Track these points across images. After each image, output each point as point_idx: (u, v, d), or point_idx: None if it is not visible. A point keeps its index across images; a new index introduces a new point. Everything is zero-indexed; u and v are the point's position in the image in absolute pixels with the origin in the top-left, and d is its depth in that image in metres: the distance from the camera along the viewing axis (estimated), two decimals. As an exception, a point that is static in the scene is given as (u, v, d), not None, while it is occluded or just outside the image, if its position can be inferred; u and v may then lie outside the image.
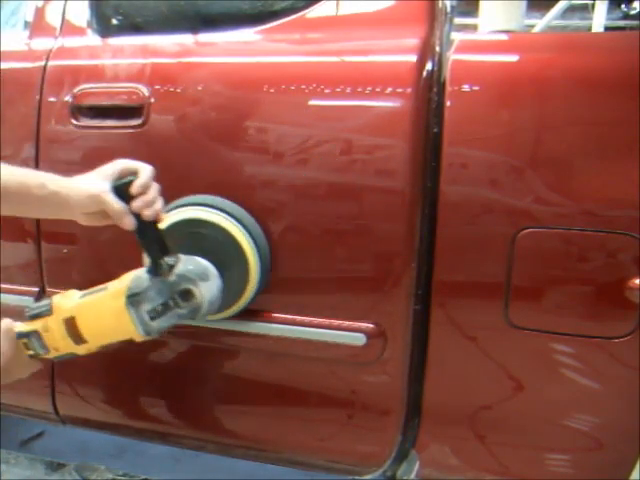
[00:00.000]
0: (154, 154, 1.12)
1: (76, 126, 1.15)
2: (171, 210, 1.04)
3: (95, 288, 0.96)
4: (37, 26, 1.27)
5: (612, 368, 0.97)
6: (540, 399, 1.02)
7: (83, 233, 1.20)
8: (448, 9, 1.10)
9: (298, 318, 1.07)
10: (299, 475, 1.34)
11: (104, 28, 1.20)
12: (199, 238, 1.01)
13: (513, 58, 1.01)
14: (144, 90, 1.11)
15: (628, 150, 0.91)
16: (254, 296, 1.05)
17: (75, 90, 1.15)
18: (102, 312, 0.93)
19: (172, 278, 0.90)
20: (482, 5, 3.44)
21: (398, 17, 1.05)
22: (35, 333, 0.95)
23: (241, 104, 1.07)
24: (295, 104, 1.04)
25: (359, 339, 1.04)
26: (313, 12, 1.09)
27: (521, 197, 0.95)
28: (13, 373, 0.97)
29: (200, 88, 1.09)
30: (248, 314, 1.09)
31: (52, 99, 1.17)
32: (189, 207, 1.05)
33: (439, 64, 1.00)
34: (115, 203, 0.87)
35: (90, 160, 1.15)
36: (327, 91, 1.02)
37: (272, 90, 1.04)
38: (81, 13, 1.23)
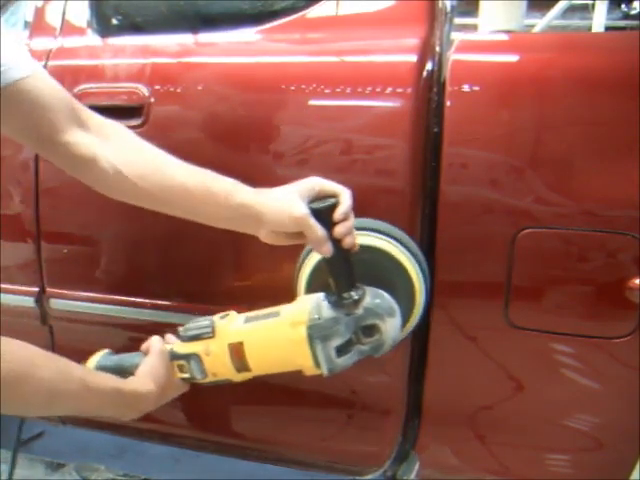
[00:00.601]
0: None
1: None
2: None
3: (262, 312, 0.90)
4: (37, 26, 1.27)
5: (612, 368, 0.97)
6: (540, 399, 1.02)
7: (83, 233, 1.20)
8: (448, 9, 1.10)
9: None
10: (299, 475, 1.34)
11: (104, 28, 1.20)
12: (370, 265, 0.92)
13: (513, 58, 1.01)
14: (144, 90, 1.11)
15: (628, 150, 0.91)
16: (420, 319, 0.98)
17: (75, 90, 1.15)
18: (275, 340, 0.86)
19: (359, 311, 0.84)
20: (482, 5, 3.44)
21: (398, 17, 1.05)
22: (195, 356, 0.90)
23: (241, 104, 1.07)
24: (295, 104, 1.04)
25: (359, 339, 1.04)
26: (313, 12, 1.09)
27: (521, 197, 0.95)
28: (161, 400, 0.93)
29: (200, 88, 1.09)
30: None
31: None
32: (361, 232, 0.94)
33: (439, 64, 1.00)
34: (318, 229, 0.81)
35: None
36: (327, 91, 1.02)
37: (272, 90, 1.04)
38: (81, 13, 1.23)
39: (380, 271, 0.92)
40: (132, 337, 1.23)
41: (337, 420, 1.14)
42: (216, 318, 0.92)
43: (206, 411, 1.23)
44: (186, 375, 0.93)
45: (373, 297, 0.85)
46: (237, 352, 0.88)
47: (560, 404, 1.01)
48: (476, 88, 0.97)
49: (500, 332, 0.99)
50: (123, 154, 0.89)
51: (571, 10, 4.44)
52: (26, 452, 1.57)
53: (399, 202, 0.99)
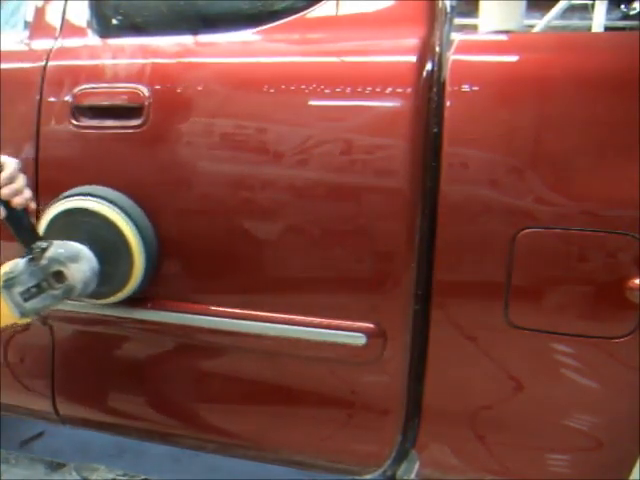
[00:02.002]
0: (154, 154, 1.12)
1: (76, 126, 1.15)
2: (58, 201, 1.10)
3: None
4: (37, 26, 1.27)
5: (612, 368, 0.97)
6: (540, 399, 1.02)
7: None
8: (448, 9, 1.10)
9: (298, 318, 1.07)
10: (299, 475, 1.34)
11: (104, 28, 1.20)
12: (83, 227, 1.08)
13: (513, 58, 1.01)
14: (144, 90, 1.11)
15: (628, 150, 0.91)
16: (143, 279, 1.10)
17: (75, 90, 1.15)
18: None
19: (44, 261, 0.98)
20: (482, 5, 3.44)
21: (398, 17, 1.05)
22: None
23: (241, 104, 1.07)
24: (295, 104, 1.04)
25: (359, 339, 1.04)
26: (313, 12, 1.09)
27: (521, 197, 0.95)
28: None
29: (200, 88, 1.09)
30: (248, 314, 1.10)
31: (52, 99, 1.17)
32: (75, 197, 1.10)
33: (439, 64, 1.00)
34: None
35: (90, 160, 1.16)
36: (327, 91, 1.02)
37: (272, 90, 1.04)
38: (81, 13, 1.23)
39: (96, 230, 1.07)
40: (132, 337, 1.23)
41: (337, 420, 1.14)
42: None
43: (206, 411, 1.23)
44: None
45: (57, 247, 1.00)
46: None
47: (560, 404, 1.01)
48: (476, 88, 0.97)
49: (500, 332, 0.99)
50: None
51: (571, 10, 4.44)
52: (26, 452, 1.57)
53: (399, 202, 0.99)
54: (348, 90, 1.01)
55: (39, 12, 1.27)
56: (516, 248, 0.95)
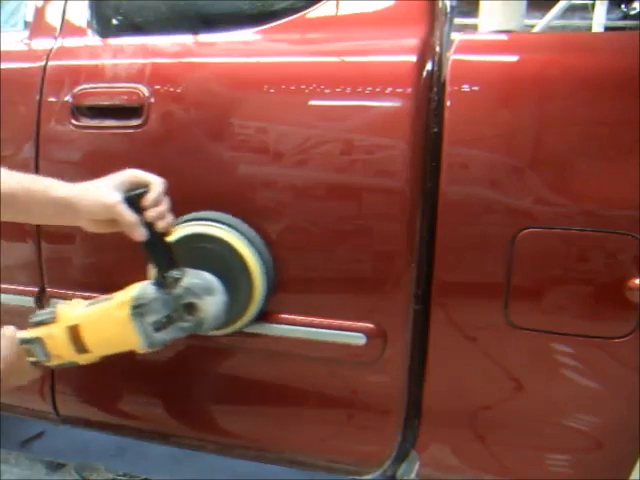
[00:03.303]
0: (154, 154, 1.12)
1: (76, 126, 1.15)
2: (177, 225, 1.02)
3: (101, 298, 0.96)
4: (37, 26, 1.27)
5: (612, 368, 0.97)
6: (540, 399, 1.02)
7: (83, 234, 1.20)
8: (448, 9, 1.10)
9: (298, 318, 1.07)
10: (299, 475, 1.34)
11: (104, 28, 1.20)
12: (205, 254, 1.01)
13: (513, 58, 1.01)
14: (144, 90, 1.11)
15: (628, 150, 0.91)
16: (257, 313, 1.05)
17: (75, 90, 1.15)
18: (106, 322, 0.93)
19: (178, 291, 0.91)
20: (482, 5, 3.44)
21: (398, 17, 1.05)
22: (38, 340, 0.95)
23: (241, 104, 1.07)
24: (295, 104, 1.04)
25: (359, 339, 1.04)
26: (313, 12, 1.09)
27: (521, 197, 0.95)
28: (12, 379, 0.97)
29: (200, 88, 1.09)
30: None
31: (52, 99, 1.17)
32: (195, 222, 1.04)
33: (439, 64, 1.00)
34: (128, 215, 0.88)
35: (90, 160, 1.16)
36: (327, 91, 1.02)
37: (272, 90, 1.05)
38: (81, 13, 1.23)
39: (217, 259, 1.00)
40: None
41: (337, 420, 1.14)
42: (61, 304, 0.98)
43: (206, 411, 1.23)
44: (33, 359, 0.97)
45: (193, 277, 0.92)
46: (75, 334, 0.93)
47: (560, 404, 1.01)
48: (476, 88, 0.97)
49: (500, 332, 0.99)
50: None
51: (571, 10, 4.44)
52: (26, 452, 1.57)
53: (399, 202, 0.99)
54: (348, 90, 1.01)
55: (39, 12, 1.27)
56: (516, 248, 0.95)
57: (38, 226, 1.21)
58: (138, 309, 0.90)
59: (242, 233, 1.02)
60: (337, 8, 1.09)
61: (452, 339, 1.02)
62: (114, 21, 1.19)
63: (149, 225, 0.88)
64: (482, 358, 1.02)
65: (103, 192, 0.89)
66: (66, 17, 1.24)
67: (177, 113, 1.10)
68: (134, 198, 0.89)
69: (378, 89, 0.99)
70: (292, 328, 1.08)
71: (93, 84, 1.15)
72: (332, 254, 1.04)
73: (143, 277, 1.18)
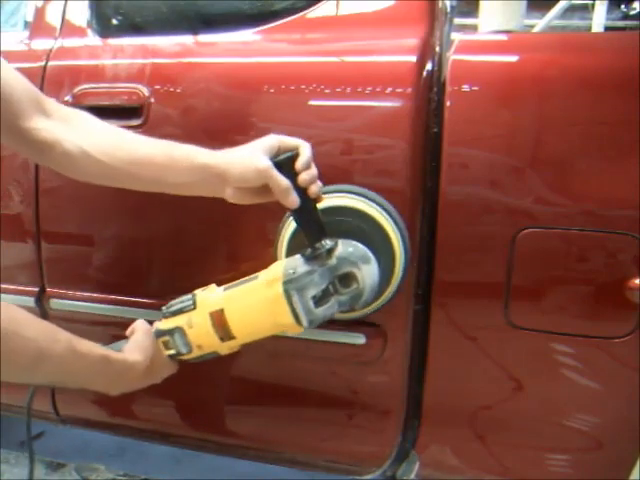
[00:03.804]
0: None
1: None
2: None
3: (241, 280, 0.90)
4: (37, 26, 1.27)
5: (612, 368, 0.97)
6: (540, 399, 1.02)
7: (83, 233, 1.20)
8: (448, 9, 1.10)
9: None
10: (299, 475, 1.34)
11: (104, 28, 1.20)
12: (348, 227, 0.92)
13: (513, 58, 1.01)
14: (144, 90, 1.11)
15: (628, 150, 0.91)
16: (397, 290, 0.98)
17: (75, 90, 1.15)
18: (254, 302, 0.87)
19: (332, 261, 0.83)
20: (482, 5, 3.44)
21: (398, 17, 1.05)
22: (178, 329, 0.91)
23: (241, 104, 1.07)
24: (295, 104, 1.04)
25: (359, 339, 1.04)
26: (313, 12, 1.09)
27: (521, 197, 0.95)
28: (150, 376, 0.94)
29: (200, 88, 1.09)
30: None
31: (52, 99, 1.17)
32: (335, 194, 0.96)
33: (439, 64, 1.00)
34: (281, 179, 0.82)
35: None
36: (327, 91, 1.02)
37: (272, 90, 1.04)
38: (81, 13, 1.23)
39: (359, 231, 0.92)
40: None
41: (337, 420, 1.14)
42: (197, 291, 0.93)
43: (206, 411, 1.23)
44: (172, 351, 0.93)
45: (346, 246, 0.85)
46: (219, 319, 0.88)
47: (560, 404, 1.01)
48: (476, 88, 0.97)
49: (500, 332, 0.99)
50: (87, 135, 0.91)
51: (571, 10, 4.44)
52: (26, 452, 1.57)
53: (399, 202, 0.99)
54: (348, 90, 1.01)
55: (39, 12, 1.27)
56: (516, 248, 0.95)
57: (38, 226, 1.21)
58: (292, 284, 0.83)
59: (382, 207, 0.95)
60: (337, 8, 1.09)
61: (452, 339, 1.02)
62: (114, 21, 1.19)
63: (301, 191, 0.82)
64: (482, 358, 1.02)
65: (253, 157, 0.84)
66: (66, 17, 1.24)
67: (177, 113, 1.10)
68: (286, 162, 0.83)
69: (378, 89, 0.99)
70: (292, 328, 1.08)
71: (93, 84, 1.15)
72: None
73: (143, 276, 1.19)
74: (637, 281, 0.91)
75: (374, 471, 1.15)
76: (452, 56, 0.99)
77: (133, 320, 1.18)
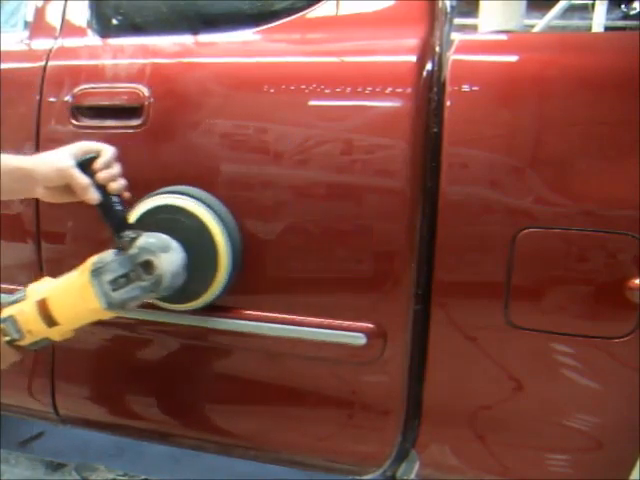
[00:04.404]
0: (154, 154, 1.12)
1: (76, 126, 1.15)
2: (145, 199, 1.06)
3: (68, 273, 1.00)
4: (37, 26, 1.27)
5: (612, 368, 0.97)
6: (540, 399, 1.02)
7: (84, 233, 1.20)
8: (448, 9, 1.10)
9: (298, 318, 1.07)
10: (299, 475, 1.34)
11: (104, 28, 1.20)
12: (170, 224, 1.03)
13: (513, 58, 1.01)
14: (144, 90, 1.11)
15: (628, 150, 0.91)
16: (224, 288, 1.06)
17: (75, 90, 1.15)
18: (70, 290, 0.97)
19: (133, 250, 0.94)
20: (482, 5, 3.44)
21: (398, 17, 1.05)
22: (11, 318, 0.99)
23: (241, 104, 1.07)
24: (295, 104, 1.04)
25: (359, 339, 1.04)
26: (313, 12, 1.09)
27: (521, 197, 0.95)
28: None
29: (200, 88, 1.09)
30: (248, 314, 1.10)
31: (52, 99, 1.17)
32: (162, 195, 1.06)
33: (439, 64, 1.00)
34: (81, 177, 0.93)
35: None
36: (327, 91, 1.02)
37: (272, 90, 1.04)
38: (81, 13, 1.23)
39: (180, 226, 1.02)
40: (132, 337, 1.23)
41: (337, 420, 1.14)
42: (33, 283, 1.03)
43: (206, 411, 1.23)
44: (7, 338, 1.00)
45: (148, 237, 0.96)
46: (43, 307, 0.97)
47: (560, 404, 1.01)
48: (476, 88, 0.97)
49: (500, 332, 0.99)
50: None
51: (571, 10, 4.44)
52: (26, 452, 1.57)
53: (399, 202, 0.99)
54: (348, 90, 1.01)
55: (39, 12, 1.27)
56: (516, 248, 0.95)
57: (38, 226, 1.21)
58: (95, 272, 0.94)
59: (211, 207, 1.04)
60: (337, 8, 1.09)
61: (452, 339, 1.02)
62: (114, 21, 1.19)
63: (102, 188, 0.93)
64: (482, 358, 1.02)
65: (57, 158, 0.94)
66: (66, 17, 1.24)
67: (177, 113, 1.10)
68: (86, 162, 0.94)
69: (378, 89, 0.99)
70: (292, 328, 1.08)
71: (93, 84, 1.15)
72: (332, 254, 1.04)
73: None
74: (637, 281, 0.90)
75: (374, 471, 1.15)
76: (452, 56, 0.99)
77: (133, 320, 1.18)
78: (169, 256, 0.96)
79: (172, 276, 0.96)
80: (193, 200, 1.04)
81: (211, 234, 1.02)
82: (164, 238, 0.98)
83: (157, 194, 1.06)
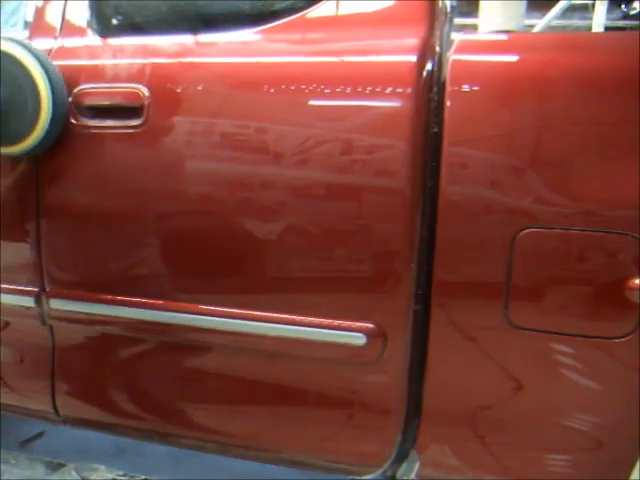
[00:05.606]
0: (154, 154, 1.12)
1: (76, 126, 1.15)
2: None
3: None
4: (37, 26, 1.27)
5: (612, 368, 0.97)
6: (540, 399, 1.02)
7: (84, 233, 1.20)
8: (448, 9, 1.10)
9: (298, 318, 1.07)
10: (299, 475, 1.34)
11: (104, 28, 1.20)
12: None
13: (513, 58, 1.01)
14: (144, 90, 1.11)
15: (628, 150, 0.91)
16: (47, 133, 1.10)
17: (75, 90, 1.15)
18: None
19: None
20: (482, 5, 3.44)
21: (398, 17, 1.05)
22: None
23: (241, 104, 1.07)
24: (295, 104, 1.04)
25: (359, 339, 1.04)
26: (313, 12, 1.09)
27: (521, 197, 0.95)
28: None
29: (200, 88, 1.09)
30: (248, 314, 1.10)
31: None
32: None
33: (439, 64, 1.00)
34: None
35: (90, 160, 1.16)
36: (327, 91, 1.02)
37: (272, 90, 1.04)
38: (81, 13, 1.23)
39: (7, 74, 1.09)
40: (132, 337, 1.23)
41: (337, 420, 1.14)
42: None
43: (206, 411, 1.23)
44: None
45: None
46: None
47: (560, 404, 1.01)
48: (476, 88, 0.97)
49: (500, 332, 0.99)
50: None
51: (571, 10, 4.43)
52: (26, 452, 1.57)
53: (399, 202, 0.99)
54: (348, 90, 1.01)
55: (39, 12, 1.27)
56: (516, 248, 0.95)
57: (38, 226, 1.21)
58: None
59: (33, 54, 1.10)
60: (337, 8, 1.09)
61: (452, 339, 1.02)
62: (114, 21, 1.19)
63: None
64: (482, 358, 1.02)
65: None
66: (66, 17, 1.24)
67: (177, 113, 1.10)
68: None
69: (378, 89, 0.99)
70: (292, 328, 1.08)
71: (93, 84, 1.15)
72: (332, 254, 1.04)
73: (143, 275, 1.19)
74: (637, 281, 0.91)
75: (374, 471, 1.15)
76: (452, 56, 0.99)
77: (133, 320, 1.18)
78: None
79: None
80: (18, 45, 1.10)
81: (33, 78, 1.08)
82: None
83: None
